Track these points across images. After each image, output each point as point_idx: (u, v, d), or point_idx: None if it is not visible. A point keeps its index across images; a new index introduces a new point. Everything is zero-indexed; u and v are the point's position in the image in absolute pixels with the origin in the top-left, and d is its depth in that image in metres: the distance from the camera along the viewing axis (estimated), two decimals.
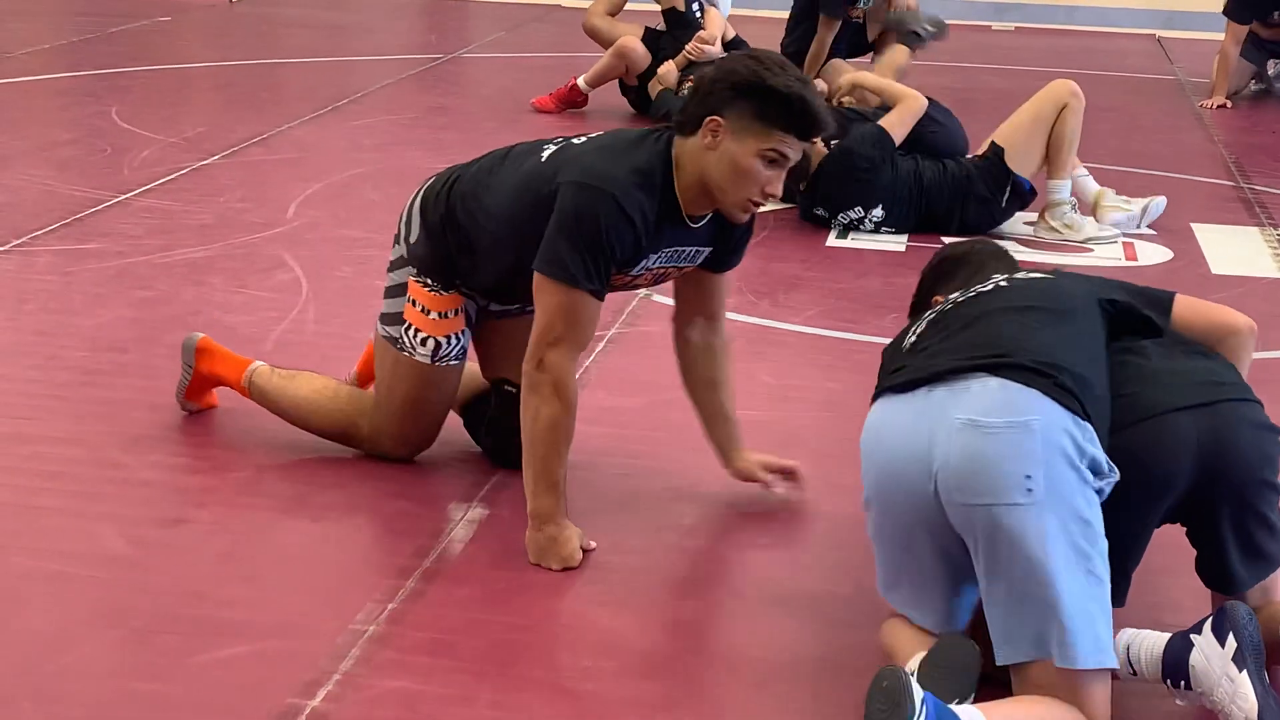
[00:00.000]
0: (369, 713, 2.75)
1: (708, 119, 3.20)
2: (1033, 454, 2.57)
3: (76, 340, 4.56)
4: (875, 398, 2.85)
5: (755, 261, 5.24)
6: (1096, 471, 2.64)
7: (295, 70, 9.43)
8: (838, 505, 3.58)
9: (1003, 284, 2.94)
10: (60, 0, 11.48)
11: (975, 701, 2.55)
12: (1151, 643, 2.71)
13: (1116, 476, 2.67)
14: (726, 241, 3.44)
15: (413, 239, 3.57)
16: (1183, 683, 2.65)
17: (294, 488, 3.65)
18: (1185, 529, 2.86)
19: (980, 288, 2.97)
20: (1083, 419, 2.64)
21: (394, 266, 3.66)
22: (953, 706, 2.46)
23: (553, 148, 3.41)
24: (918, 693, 2.41)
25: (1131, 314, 2.92)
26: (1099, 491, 2.64)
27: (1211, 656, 2.60)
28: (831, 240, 6.05)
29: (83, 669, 2.86)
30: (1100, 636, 2.58)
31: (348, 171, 6.73)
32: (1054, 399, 2.62)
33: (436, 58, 9.19)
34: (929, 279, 3.31)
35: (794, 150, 3.20)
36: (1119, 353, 2.87)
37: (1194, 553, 2.89)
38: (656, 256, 3.33)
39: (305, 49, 10.04)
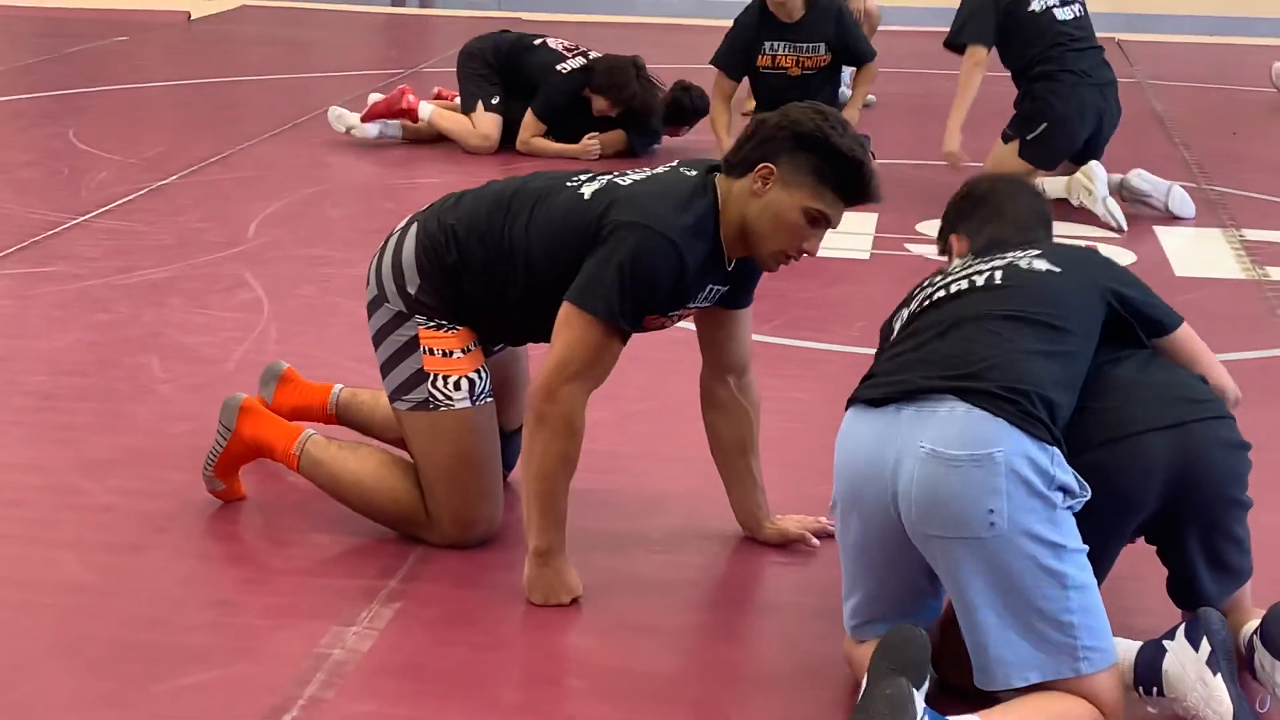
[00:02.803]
0: None
1: (761, 165, 3.12)
2: (995, 488, 2.57)
3: (34, 364, 4.51)
4: (850, 402, 2.83)
5: None
6: (1067, 492, 2.63)
7: (255, 88, 9.38)
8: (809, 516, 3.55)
9: (996, 279, 2.87)
10: (16, 22, 11.38)
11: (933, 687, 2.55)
12: (1123, 651, 2.70)
13: (1088, 494, 2.66)
14: (741, 277, 3.34)
15: (412, 290, 3.35)
16: (1155, 689, 2.64)
17: (256, 511, 3.60)
18: (1155, 547, 2.85)
19: (976, 277, 2.89)
20: (1050, 444, 2.62)
21: (387, 329, 3.39)
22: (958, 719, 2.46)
23: (595, 184, 3.27)
24: (919, 703, 2.42)
25: (1135, 317, 2.88)
26: (1070, 509, 2.63)
27: (1185, 662, 2.59)
28: None
29: (42, 700, 2.82)
30: (1086, 643, 2.58)
31: (308, 189, 6.68)
32: (1020, 427, 2.61)
33: (396, 73, 9.15)
34: (950, 216, 3.24)
35: (838, 214, 3.14)
36: (1097, 363, 2.84)
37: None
38: (693, 300, 3.26)
39: (265, 66, 9.99)
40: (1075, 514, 2.67)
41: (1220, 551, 2.78)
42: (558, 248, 3.22)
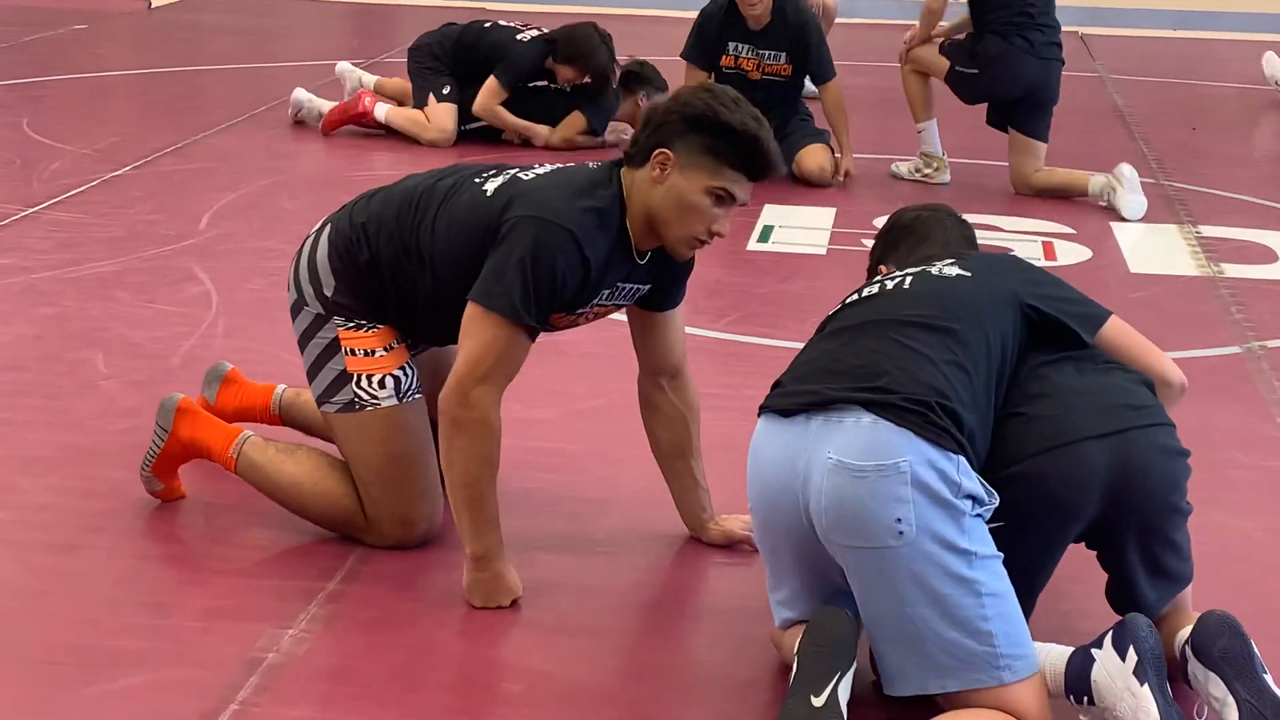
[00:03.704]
0: None
1: (657, 151, 3.10)
2: (901, 497, 2.56)
3: None
4: (761, 410, 2.81)
5: None
6: (975, 500, 2.61)
7: (214, 77, 9.31)
8: None
9: (905, 285, 2.89)
10: None
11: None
12: (1055, 658, 2.68)
13: (996, 501, 2.66)
14: (665, 277, 3.32)
15: (328, 291, 3.31)
16: (1085, 698, 2.62)
17: (196, 510, 3.55)
18: (1095, 553, 2.84)
19: (888, 281, 2.93)
20: (955, 453, 2.61)
21: (309, 332, 3.35)
22: None
23: (498, 180, 3.24)
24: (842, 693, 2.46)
25: (1058, 318, 2.87)
26: (979, 516, 2.62)
27: (1113, 671, 2.57)
28: (752, 244, 6.01)
29: None
30: (1006, 651, 2.56)
31: (263, 180, 6.63)
32: (924, 437, 2.60)
33: (358, 62, 9.07)
34: (877, 247, 3.27)
35: (743, 190, 3.11)
36: (1034, 365, 2.83)
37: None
38: (601, 294, 3.22)
39: (226, 56, 9.91)
40: (1011, 527, 2.66)
41: (1159, 558, 2.77)
42: (459, 246, 3.18)
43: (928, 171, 6.95)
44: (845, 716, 2.57)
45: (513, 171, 3.27)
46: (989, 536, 2.63)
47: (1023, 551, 2.72)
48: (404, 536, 3.36)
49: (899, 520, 2.55)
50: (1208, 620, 2.61)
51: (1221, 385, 4.55)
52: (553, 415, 4.20)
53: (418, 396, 3.37)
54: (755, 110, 3.14)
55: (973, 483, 2.62)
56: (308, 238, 3.43)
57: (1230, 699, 2.51)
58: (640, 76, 7.38)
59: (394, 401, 3.32)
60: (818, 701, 2.54)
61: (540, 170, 3.26)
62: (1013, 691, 2.58)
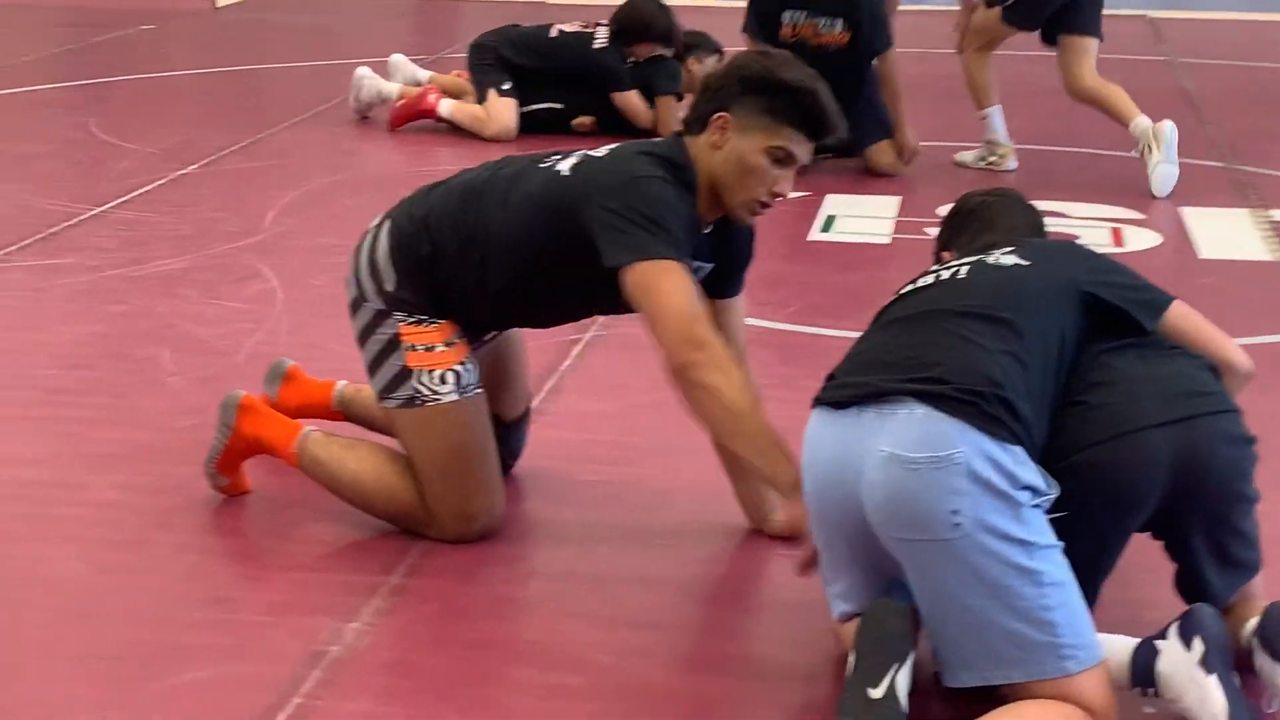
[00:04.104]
0: None
1: (715, 115, 3.13)
2: (957, 489, 2.53)
3: (45, 358, 4.50)
4: (815, 403, 2.79)
5: None
6: (1034, 490, 2.58)
7: (279, 75, 9.37)
8: None
9: (961, 275, 2.85)
10: (42, 11, 11.40)
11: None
12: (1119, 649, 2.65)
13: (1056, 491, 2.62)
14: (727, 259, 3.34)
15: (389, 287, 3.31)
16: (1151, 690, 2.59)
17: (261, 505, 3.58)
18: (1161, 542, 2.80)
19: (943, 271, 2.90)
20: (1011, 443, 2.58)
21: (369, 328, 3.35)
22: None
23: (570, 160, 3.26)
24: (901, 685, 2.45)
25: (1119, 306, 2.84)
26: (1038, 507, 2.59)
27: (1178, 662, 2.54)
28: (814, 234, 5.98)
29: (37, 700, 2.80)
30: (1069, 641, 2.54)
31: (327, 178, 6.66)
32: (979, 428, 2.56)
33: (420, 58, 9.10)
34: (943, 233, 3.23)
35: (803, 150, 3.13)
36: (1095, 353, 2.79)
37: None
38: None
39: (290, 54, 9.97)
40: (1075, 517, 2.63)
41: (1226, 547, 2.73)
42: (538, 226, 3.19)
43: (993, 159, 6.88)
44: (905, 708, 2.55)
45: (582, 152, 3.29)
46: (1048, 526, 2.60)
47: (1086, 541, 2.68)
48: (464, 530, 3.36)
49: (954, 512, 2.52)
50: (1274, 612, 2.57)
51: None
52: (613, 408, 4.20)
53: (478, 391, 3.38)
54: (812, 70, 3.15)
55: (1030, 473, 2.58)
56: (366, 233, 3.44)
57: None
58: (690, 42, 7.40)
59: (455, 397, 3.32)
60: (875, 694, 2.52)
61: (612, 147, 3.27)
62: (1077, 681, 2.54)
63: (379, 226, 3.42)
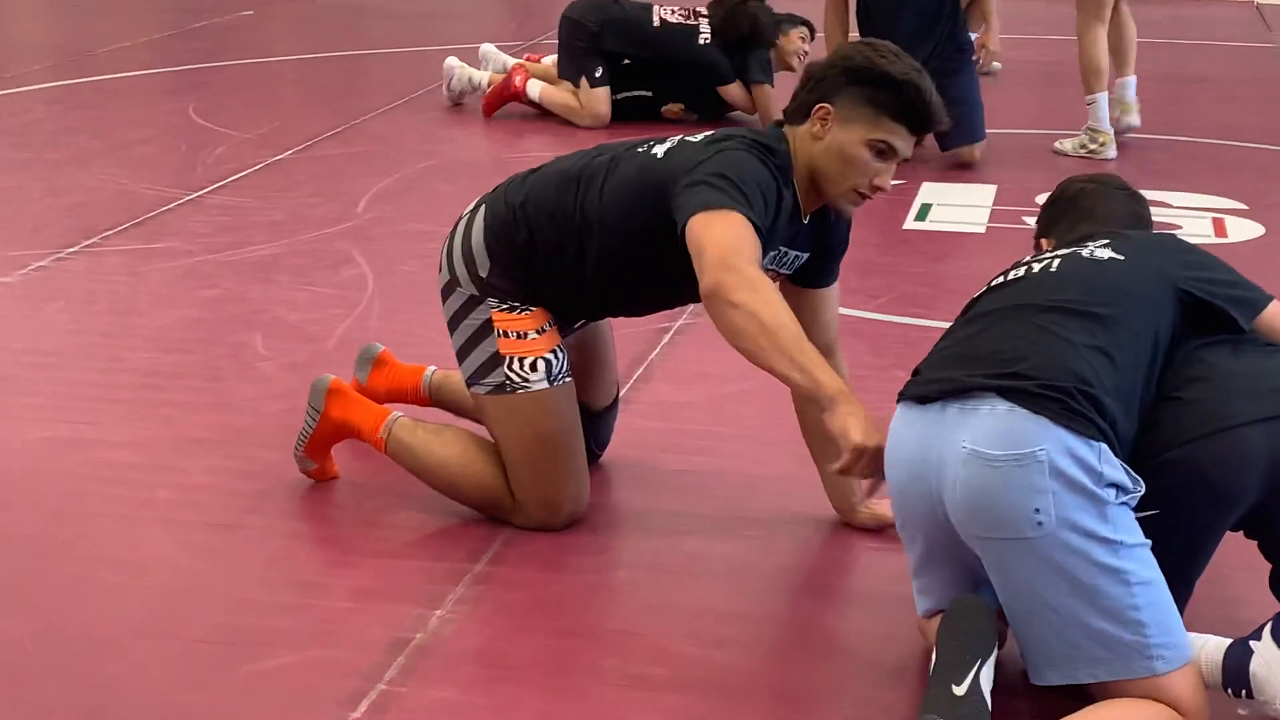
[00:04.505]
0: None
1: (818, 106, 3.11)
2: (1039, 487, 2.48)
3: (140, 341, 4.56)
4: (900, 397, 2.75)
5: None
6: (1120, 488, 2.53)
7: (375, 61, 9.43)
8: None
9: (1053, 268, 2.79)
10: None
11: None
12: (1212, 649, 2.59)
13: (1142, 488, 2.56)
14: (823, 249, 3.31)
15: (483, 273, 3.31)
16: (1244, 691, 2.52)
17: (348, 491, 3.59)
18: (1255, 541, 2.73)
19: (1035, 264, 2.84)
20: (1096, 440, 2.52)
21: (461, 314, 3.35)
22: None
23: (666, 145, 3.24)
24: (984, 681, 2.40)
25: (1214, 303, 2.77)
26: (1125, 504, 2.53)
27: (1272, 663, 2.47)
28: (908, 223, 5.92)
29: (127, 680, 2.83)
30: (1158, 640, 2.49)
31: (420, 164, 6.69)
32: (1063, 425, 2.51)
33: (515, 45, 9.13)
34: (1042, 218, 3.17)
35: (904, 143, 3.10)
36: (1190, 348, 2.73)
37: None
38: (771, 254, 3.18)
39: (387, 40, 10.03)
40: (1167, 514, 2.58)
41: None
42: (635, 208, 3.16)
43: (1093, 147, 6.77)
44: (989, 704, 2.51)
45: (678, 137, 3.27)
46: (1135, 524, 2.54)
47: (1179, 539, 2.62)
48: (550, 519, 3.36)
49: (1037, 511, 2.47)
50: None
51: None
52: (701, 398, 4.17)
53: (568, 380, 3.37)
54: (916, 63, 3.12)
55: (1116, 470, 2.53)
56: (460, 219, 3.44)
57: None
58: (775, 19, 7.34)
59: (545, 385, 3.31)
60: (959, 690, 2.48)
61: (709, 133, 3.25)
62: (1167, 681, 2.49)
63: (474, 212, 3.42)
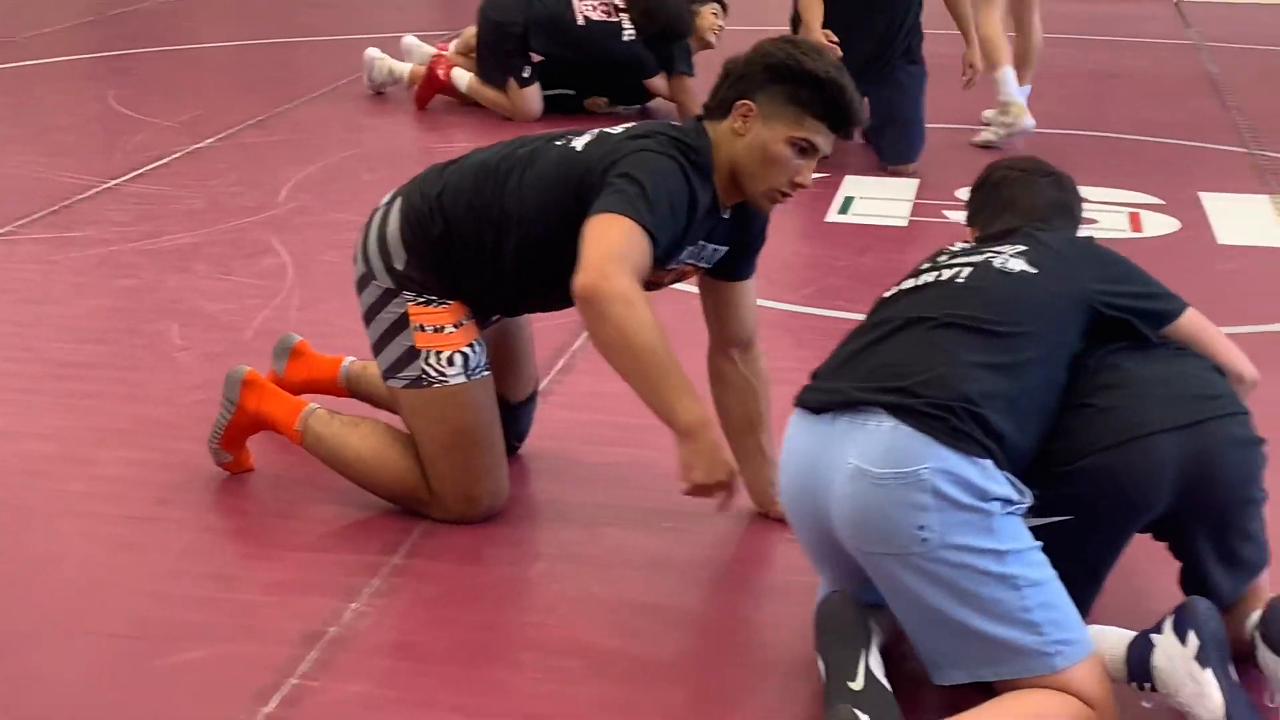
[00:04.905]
0: (323, 719, 2.68)
1: (739, 103, 3.10)
2: (923, 505, 2.50)
3: (54, 331, 4.50)
4: (796, 402, 2.76)
5: None
6: (1006, 500, 2.55)
7: (301, 49, 9.36)
8: None
9: (961, 279, 2.78)
10: None
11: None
12: (1115, 642, 2.62)
13: (1029, 499, 2.59)
14: (741, 243, 3.31)
15: (399, 265, 3.29)
16: (1148, 684, 2.56)
17: (264, 483, 3.57)
18: (1165, 544, 2.77)
19: (945, 270, 2.82)
20: (981, 457, 2.54)
21: (377, 307, 3.32)
22: None
23: (585, 138, 3.23)
24: (873, 669, 2.44)
25: (1130, 314, 2.79)
26: (1011, 514, 2.56)
27: (1174, 656, 2.50)
28: (831, 216, 5.94)
29: (39, 675, 2.80)
30: (1055, 637, 2.52)
31: (343, 153, 6.65)
32: (947, 443, 2.53)
33: (440, 34, 9.08)
34: (970, 204, 3.16)
35: (826, 141, 3.09)
36: (1103, 354, 2.75)
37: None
38: (690, 249, 3.19)
39: (314, 28, 9.96)
40: (1080, 520, 2.62)
41: (1233, 548, 2.69)
42: (553, 202, 3.15)
43: (1008, 121, 6.77)
44: (889, 687, 2.54)
45: (597, 130, 3.26)
46: (1023, 530, 2.57)
47: (1091, 544, 2.67)
48: (467, 512, 3.35)
49: (921, 528, 2.49)
50: (1276, 608, 2.53)
51: None
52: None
53: (486, 374, 3.36)
54: (838, 62, 3.12)
55: (1001, 485, 2.55)
56: (376, 211, 3.42)
57: None
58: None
59: (462, 379, 3.30)
60: (856, 685, 2.51)
61: (628, 126, 3.25)
62: (1068, 676, 2.52)
63: (389, 204, 3.40)
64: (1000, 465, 2.56)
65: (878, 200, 6.16)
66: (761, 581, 3.34)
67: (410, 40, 8.09)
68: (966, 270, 2.80)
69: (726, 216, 3.22)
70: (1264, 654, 2.55)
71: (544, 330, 3.99)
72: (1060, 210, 3.07)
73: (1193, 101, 8.05)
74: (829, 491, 2.59)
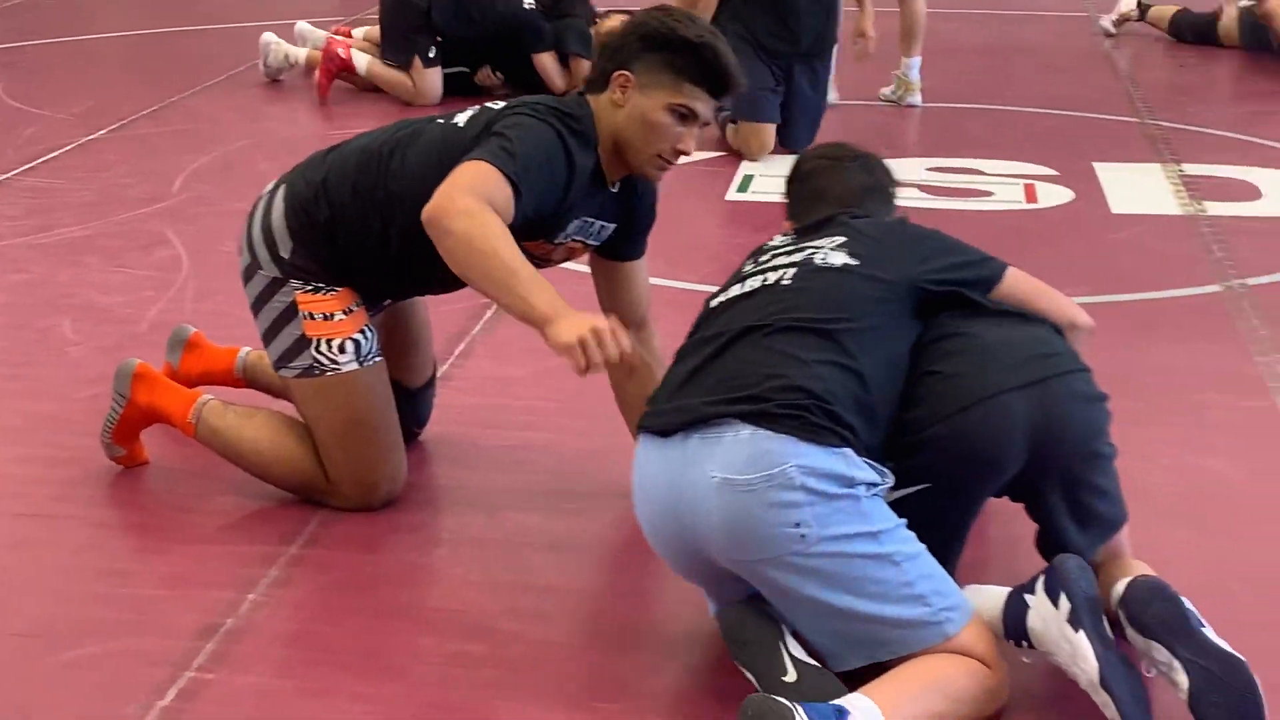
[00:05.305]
0: (220, 711, 2.65)
1: (617, 74, 3.11)
2: (795, 502, 2.52)
3: None
4: (640, 428, 2.74)
5: None
6: (869, 484, 2.59)
7: (196, 38, 9.23)
8: None
9: (786, 281, 2.78)
10: None
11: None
12: (992, 601, 2.66)
13: (890, 480, 2.63)
14: (629, 220, 3.31)
15: (285, 253, 3.26)
16: (1025, 642, 2.60)
17: (159, 477, 3.53)
18: (1022, 505, 2.80)
19: (770, 273, 2.82)
20: (840, 447, 2.57)
21: (265, 297, 3.30)
22: (840, 701, 2.43)
23: (467, 114, 3.23)
24: (792, 707, 2.38)
25: (955, 287, 2.82)
26: (876, 495, 2.60)
27: (1047, 618, 2.54)
28: (731, 194, 5.96)
29: None
30: (940, 605, 2.55)
31: (239, 142, 6.58)
32: (806, 439, 2.55)
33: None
34: (787, 201, 3.17)
35: (705, 106, 3.10)
36: (943, 322, 2.78)
37: None
38: (577, 223, 3.19)
39: (211, 15, 9.82)
40: (936, 488, 2.65)
41: (1086, 504, 2.72)
42: (438, 179, 3.09)
43: (900, 92, 7.06)
44: (816, 663, 2.56)
45: (480, 106, 3.26)
46: (888, 510, 2.60)
47: (950, 509, 2.71)
48: (366, 499, 3.33)
49: (797, 525, 2.51)
50: (1135, 589, 2.54)
51: (1200, 325, 4.50)
52: (524, 373, 4.16)
53: (379, 359, 3.34)
54: (711, 26, 3.14)
55: (863, 470, 2.58)
56: (259, 200, 3.38)
57: (1175, 662, 2.45)
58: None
59: (354, 366, 3.28)
60: (790, 678, 2.52)
61: (510, 101, 3.24)
62: (958, 641, 2.55)
63: (273, 192, 3.36)
64: (859, 452, 2.59)
65: (778, 178, 6.11)
66: (663, 561, 3.33)
67: (304, 26, 8.02)
68: (790, 271, 2.81)
69: (615, 190, 3.22)
70: (1132, 635, 2.56)
71: (443, 315, 3.97)
72: (871, 193, 3.08)
73: (1087, 73, 8.14)
74: (695, 511, 2.58)
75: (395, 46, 7.34)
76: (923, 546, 2.59)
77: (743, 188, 6.04)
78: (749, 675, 2.59)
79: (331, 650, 2.85)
